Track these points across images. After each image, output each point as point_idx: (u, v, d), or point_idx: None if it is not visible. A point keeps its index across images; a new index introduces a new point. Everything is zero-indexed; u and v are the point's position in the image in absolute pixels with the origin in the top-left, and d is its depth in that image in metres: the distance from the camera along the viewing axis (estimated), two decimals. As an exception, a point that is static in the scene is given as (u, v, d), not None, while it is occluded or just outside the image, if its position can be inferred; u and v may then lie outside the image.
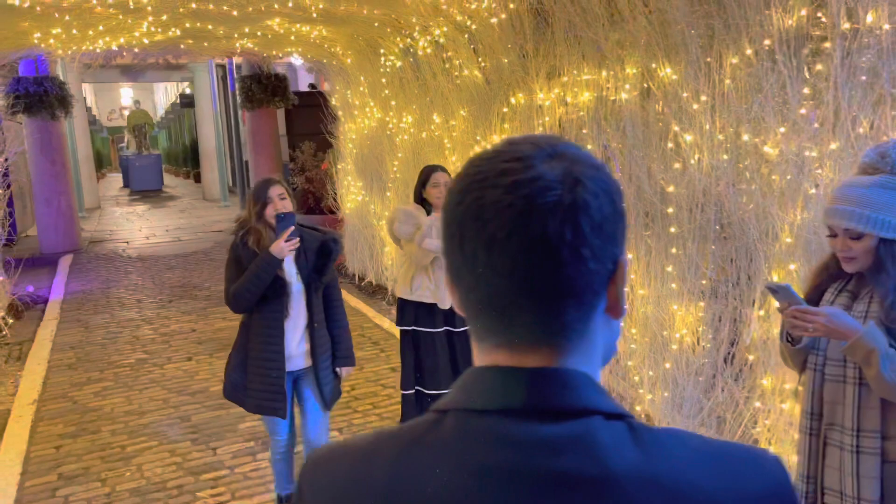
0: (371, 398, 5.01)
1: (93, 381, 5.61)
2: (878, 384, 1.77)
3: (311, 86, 13.59)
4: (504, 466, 0.64)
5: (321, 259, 3.19)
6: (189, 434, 4.57)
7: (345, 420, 4.63)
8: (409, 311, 3.94)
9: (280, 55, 8.77)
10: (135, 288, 8.88)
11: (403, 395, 4.09)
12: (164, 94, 34.88)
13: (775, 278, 3.16)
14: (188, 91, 24.49)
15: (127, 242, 12.56)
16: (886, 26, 2.63)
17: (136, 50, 6.55)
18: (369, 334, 6.53)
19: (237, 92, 11.97)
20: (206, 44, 6.72)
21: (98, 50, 6.24)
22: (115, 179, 30.73)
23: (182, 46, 6.59)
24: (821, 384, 1.94)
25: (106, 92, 36.80)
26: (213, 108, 17.01)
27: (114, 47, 6.19)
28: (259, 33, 6.31)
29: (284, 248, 3.03)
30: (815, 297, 1.97)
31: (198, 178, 24.91)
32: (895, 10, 2.63)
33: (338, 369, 3.33)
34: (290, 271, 3.18)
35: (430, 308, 3.86)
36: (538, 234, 0.63)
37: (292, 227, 3.04)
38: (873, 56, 2.71)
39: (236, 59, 14.31)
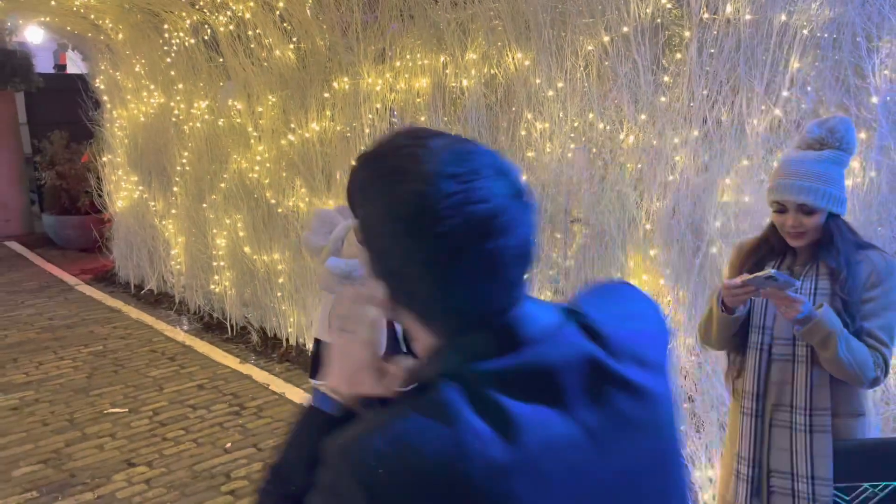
0: (181, 422, 4.32)
1: None
2: (834, 365, 1.77)
3: (58, 67, 11.77)
4: None
5: None
6: (-59, 492, 3.57)
7: (154, 451, 3.92)
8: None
9: (23, 24, 7.38)
10: None
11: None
12: None
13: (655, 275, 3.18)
14: None
15: None
16: (748, 16, 2.74)
17: None
18: (161, 348, 5.71)
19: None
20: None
21: None
22: None
23: None
24: (767, 364, 1.89)
25: None
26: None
27: None
28: (9, -7, 5.17)
29: None
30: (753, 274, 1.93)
31: None
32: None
33: None
34: None
35: None
36: None
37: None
38: (732, 45, 2.82)
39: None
